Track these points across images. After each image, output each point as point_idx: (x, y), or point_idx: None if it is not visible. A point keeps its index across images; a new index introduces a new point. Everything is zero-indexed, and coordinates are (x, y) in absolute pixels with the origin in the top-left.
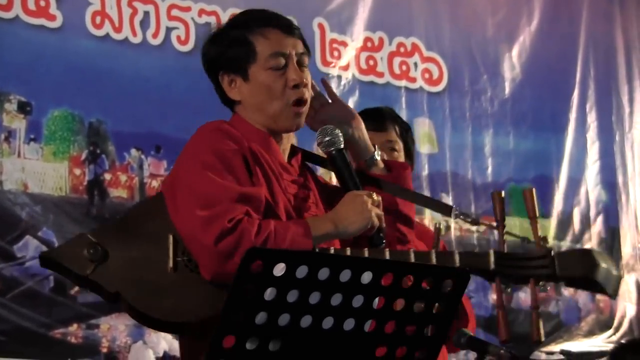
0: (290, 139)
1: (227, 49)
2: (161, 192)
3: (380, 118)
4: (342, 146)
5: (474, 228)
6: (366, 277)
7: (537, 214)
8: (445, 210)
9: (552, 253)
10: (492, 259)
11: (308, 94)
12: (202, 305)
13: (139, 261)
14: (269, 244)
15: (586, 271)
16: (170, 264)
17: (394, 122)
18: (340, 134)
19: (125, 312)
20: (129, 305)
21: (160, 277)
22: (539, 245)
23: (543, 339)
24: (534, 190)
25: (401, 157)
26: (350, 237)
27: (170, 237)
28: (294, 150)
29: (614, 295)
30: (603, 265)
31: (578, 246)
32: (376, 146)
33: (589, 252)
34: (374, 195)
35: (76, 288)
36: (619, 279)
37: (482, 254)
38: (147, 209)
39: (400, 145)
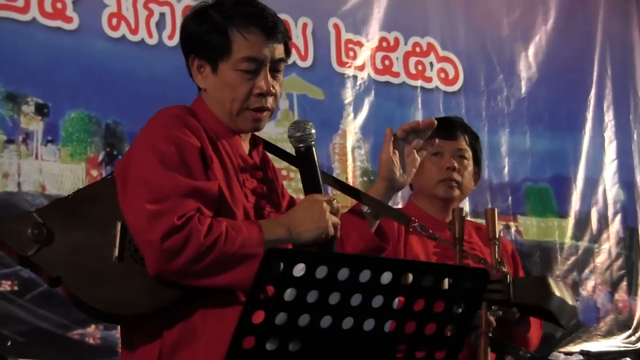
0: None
1: (204, 34)
2: (112, 176)
3: (450, 127)
4: (312, 144)
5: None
6: (386, 277)
7: (497, 235)
8: (404, 221)
9: (508, 279)
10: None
11: (273, 101)
12: (142, 299)
13: (84, 247)
14: (218, 245)
15: (539, 300)
16: (116, 253)
17: (464, 131)
18: (314, 131)
19: (65, 297)
20: (68, 291)
21: (104, 265)
22: (495, 269)
23: None
24: (495, 210)
25: (470, 165)
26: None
27: (119, 225)
28: (254, 140)
29: (566, 326)
30: (557, 294)
31: (596, 245)
32: None
33: (544, 281)
34: (334, 202)
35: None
36: (573, 310)
37: None
38: (97, 192)
39: (469, 154)
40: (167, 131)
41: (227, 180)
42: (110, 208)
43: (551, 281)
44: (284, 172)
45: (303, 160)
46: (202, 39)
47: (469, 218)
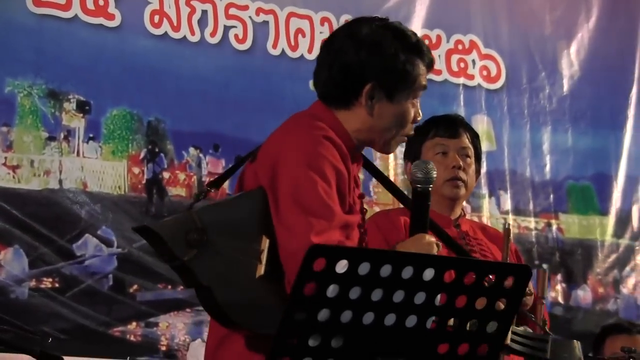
0: None
1: (401, 63)
2: (260, 187)
3: (453, 125)
4: (430, 188)
5: (532, 225)
6: (428, 274)
7: (544, 296)
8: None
9: (550, 339)
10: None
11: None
12: (273, 320)
13: (234, 259)
14: None
15: None
16: (262, 271)
17: (466, 129)
18: (435, 175)
19: (203, 305)
20: (213, 301)
21: (252, 282)
22: (541, 328)
23: None
24: (547, 272)
25: (473, 162)
26: None
27: (267, 242)
28: (365, 161)
29: None
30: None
31: (637, 243)
32: None
33: (573, 345)
34: (439, 245)
35: (135, 286)
36: None
37: None
38: (247, 203)
39: (472, 152)
40: (323, 151)
41: (351, 206)
42: (260, 220)
43: (576, 345)
44: None
45: (418, 200)
46: (387, 68)
47: (468, 217)
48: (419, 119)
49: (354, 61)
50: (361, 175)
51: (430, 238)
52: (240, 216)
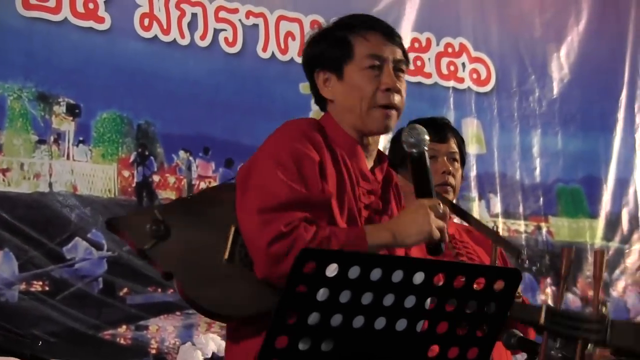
0: (376, 145)
1: (326, 48)
2: (234, 182)
3: (442, 129)
4: (424, 149)
5: (522, 228)
6: (418, 277)
7: (602, 277)
8: (514, 253)
9: (607, 320)
10: (543, 314)
11: (400, 100)
12: (246, 302)
13: (198, 246)
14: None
15: (637, 346)
16: (226, 255)
17: (453, 133)
18: (427, 137)
19: (178, 292)
20: (179, 286)
21: (214, 266)
22: (596, 309)
23: None
24: (605, 252)
25: (459, 167)
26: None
27: (232, 229)
28: (380, 156)
29: None
30: None
31: (626, 246)
32: None
33: None
34: (440, 207)
35: (125, 289)
36: None
37: (534, 307)
38: (217, 195)
39: (459, 156)
40: (289, 143)
41: (339, 193)
42: (227, 212)
43: None
44: None
45: (415, 164)
46: (324, 53)
47: (456, 221)
48: (383, 87)
49: (304, 61)
50: None
51: (425, 201)
52: (204, 208)
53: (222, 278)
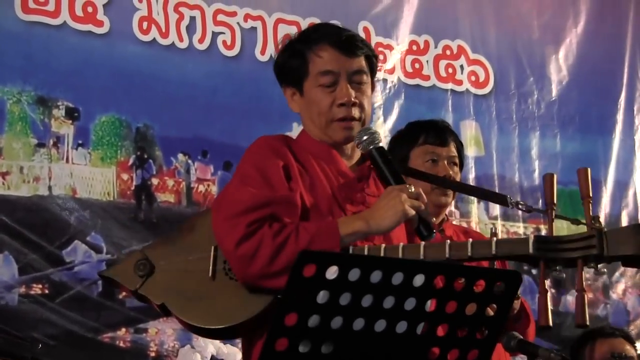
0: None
1: (287, 61)
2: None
3: (443, 133)
4: (380, 144)
5: (521, 230)
6: (418, 280)
7: (590, 194)
8: (501, 199)
9: (603, 232)
10: (530, 243)
11: (359, 112)
12: (237, 310)
13: (182, 272)
14: (289, 244)
15: (636, 249)
16: (210, 272)
17: (452, 136)
18: (378, 133)
19: (185, 327)
20: (174, 314)
21: (201, 285)
22: (590, 225)
23: (588, 323)
24: (589, 170)
25: (458, 171)
26: (387, 233)
27: (212, 248)
28: (364, 157)
29: None
30: None
31: None
32: None
33: (639, 228)
34: (410, 188)
35: (124, 292)
36: None
37: (520, 239)
38: (196, 222)
39: (458, 160)
40: (251, 157)
41: (313, 194)
42: (204, 234)
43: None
44: None
45: (377, 158)
46: (285, 67)
47: (456, 222)
48: (338, 102)
49: (276, 77)
50: None
51: (394, 187)
52: (182, 236)
53: (208, 294)
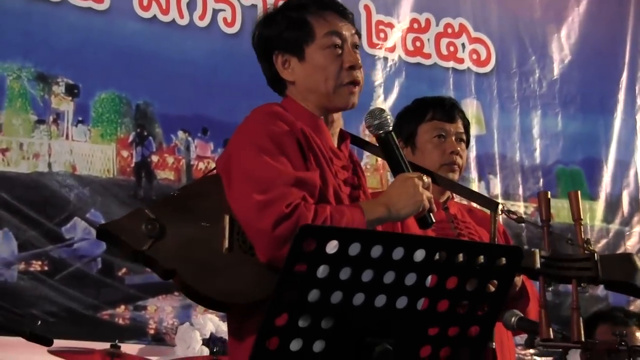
0: (339, 123)
1: (284, 30)
2: (217, 173)
3: (451, 109)
4: (390, 128)
5: (522, 209)
6: (419, 254)
7: (582, 217)
8: (492, 206)
9: (596, 257)
10: (537, 258)
11: (361, 76)
12: (253, 288)
13: (195, 239)
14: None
15: (626, 277)
16: (226, 244)
17: (460, 113)
18: (389, 117)
19: (178, 288)
20: (182, 282)
21: (215, 256)
22: (583, 248)
23: (583, 339)
24: (579, 192)
25: (465, 147)
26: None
27: (227, 218)
28: (342, 134)
29: None
30: None
31: (627, 228)
32: None
33: (629, 257)
34: (424, 178)
35: (124, 269)
36: None
37: (527, 252)
38: (203, 188)
39: (465, 137)
40: (263, 127)
41: (321, 170)
42: (217, 202)
43: (636, 258)
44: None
45: (386, 145)
46: (282, 35)
47: (456, 200)
48: (346, 65)
49: (258, 42)
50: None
51: (410, 174)
52: (194, 202)
53: (224, 267)
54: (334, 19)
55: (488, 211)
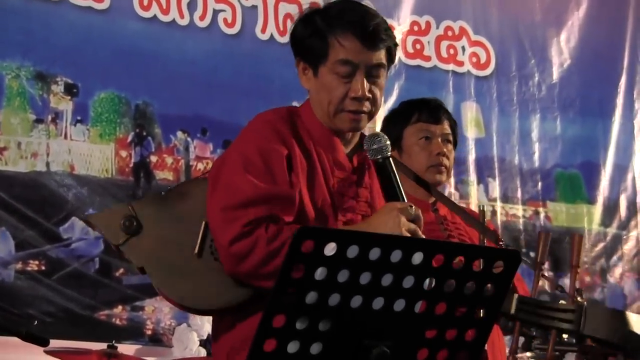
0: (358, 132)
1: (307, 38)
2: (206, 176)
3: (436, 110)
4: (388, 155)
5: (520, 213)
6: (417, 257)
7: (579, 264)
8: (493, 238)
9: (583, 308)
10: (514, 303)
11: (370, 106)
12: (215, 295)
13: (169, 241)
14: (283, 252)
15: (612, 335)
16: (196, 249)
17: (446, 114)
18: (388, 143)
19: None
20: (154, 282)
21: (185, 260)
22: (572, 297)
23: None
24: (583, 237)
25: (452, 148)
26: None
27: (203, 224)
28: (361, 141)
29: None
30: (635, 331)
31: (624, 232)
32: None
33: (622, 315)
34: (412, 209)
35: (121, 270)
36: None
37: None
38: (189, 190)
39: (452, 138)
40: (257, 139)
41: (310, 185)
42: (198, 206)
43: (630, 317)
44: None
45: (383, 170)
46: (304, 42)
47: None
48: (352, 95)
49: (291, 39)
50: None
51: (396, 204)
52: (176, 202)
53: (192, 272)
54: (353, 45)
55: (477, 211)
